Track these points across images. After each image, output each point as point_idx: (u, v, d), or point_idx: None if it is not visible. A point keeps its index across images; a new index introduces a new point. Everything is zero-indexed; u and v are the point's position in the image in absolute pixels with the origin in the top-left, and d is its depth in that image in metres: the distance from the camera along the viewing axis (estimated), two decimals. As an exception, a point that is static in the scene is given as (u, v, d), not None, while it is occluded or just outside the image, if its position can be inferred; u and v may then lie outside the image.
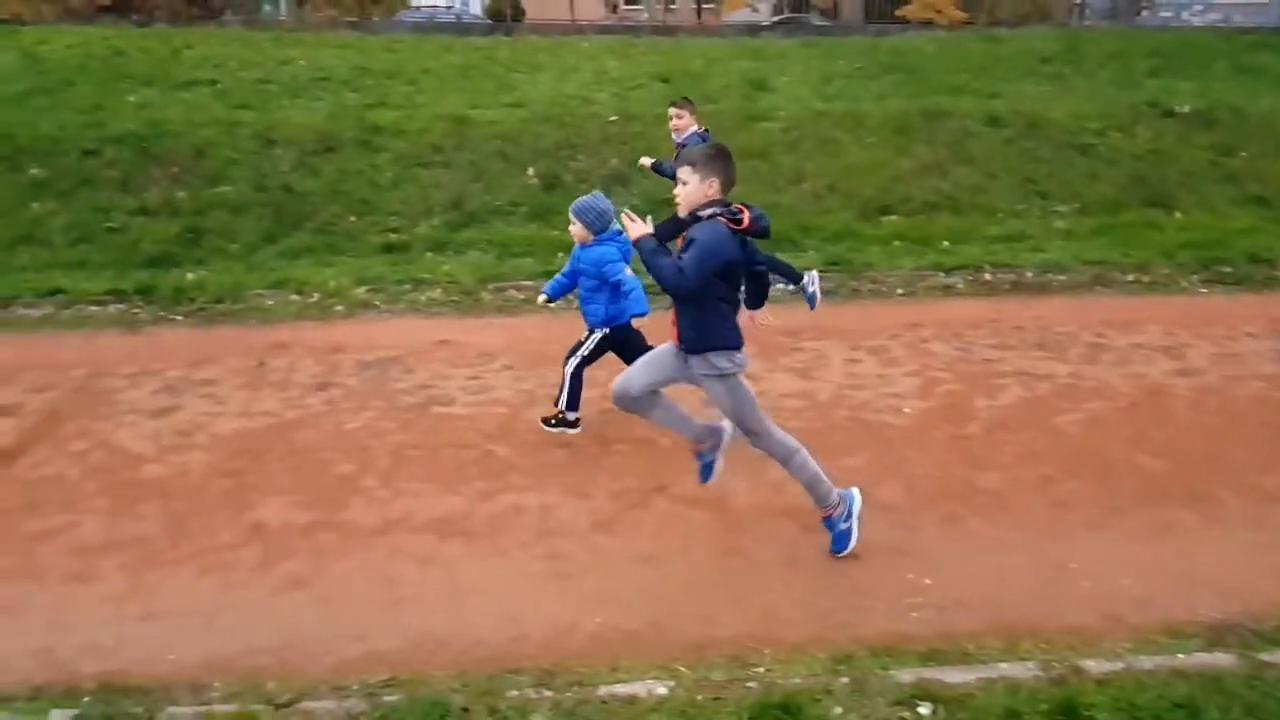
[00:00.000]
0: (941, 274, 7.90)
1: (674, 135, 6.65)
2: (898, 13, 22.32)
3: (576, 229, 4.89)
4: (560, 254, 8.19)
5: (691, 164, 3.67)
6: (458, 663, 3.30)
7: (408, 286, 7.57)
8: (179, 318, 7.18)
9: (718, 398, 3.83)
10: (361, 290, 7.48)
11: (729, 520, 4.26)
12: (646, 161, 7.22)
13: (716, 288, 3.63)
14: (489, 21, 21.66)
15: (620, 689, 3.13)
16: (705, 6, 27.88)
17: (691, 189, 3.65)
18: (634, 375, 4.03)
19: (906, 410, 5.40)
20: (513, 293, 7.52)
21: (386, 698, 3.06)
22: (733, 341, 3.73)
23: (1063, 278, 7.86)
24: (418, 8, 25.10)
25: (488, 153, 9.62)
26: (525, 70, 12.53)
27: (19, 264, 8.16)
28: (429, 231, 8.51)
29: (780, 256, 7.16)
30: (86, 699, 3.04)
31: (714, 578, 3.83)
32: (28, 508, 4.38)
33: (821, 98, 11.61)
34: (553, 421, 5.12)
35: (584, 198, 4.92)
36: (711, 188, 3.62)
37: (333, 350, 6.40)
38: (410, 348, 6.44)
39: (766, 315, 4.37)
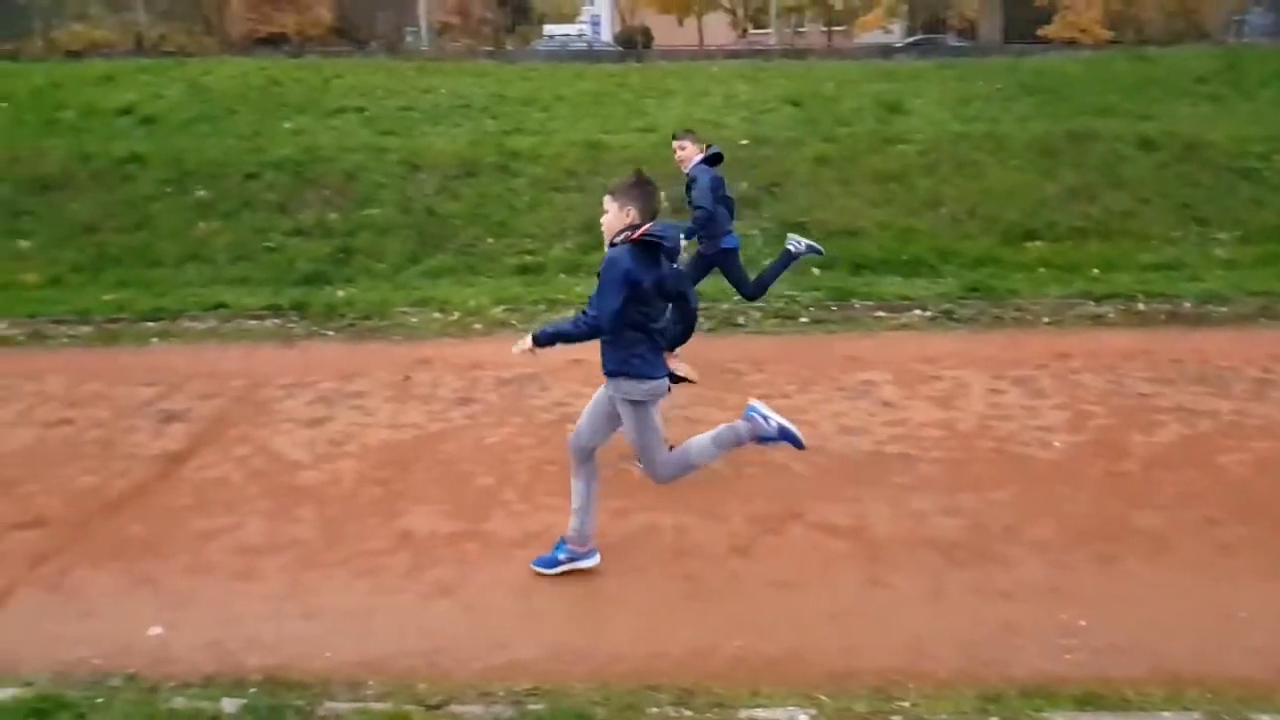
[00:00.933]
0: (1091, 303, 7.56)
1: (681, 167, 6.50)
2: (1039, 32, 21.63)
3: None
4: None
5: (611, 193, 3.65)
6: (597, 676, 3.34)
7: (542, 306, 7.75)
8: (330, 333, 7.56)
9: (625, 422, 3.78)
10: (499, 309, 7.71)
11: (869, 550, 4.16)
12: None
13: (630, 314, 3.56)
14: (620, 48, 22.10)
15: (761, 713, 3.10)
16: (835, 29, 27.71)
17: (610, 217, 3.64)
18: (581, 424, 3.98)
19: (1056, 444, 5.17)
20: (645, 314, 7.61)
21: (531, 706, 3.13)
22: (644, 371, 3.66)
23: (1224, 309, 7.41)
24: (551, 36, 25.86)
25: (619, 177, 9.78)
26: (655, 95, 12.69)
27: (186, 279, 8.77)
28: (562, 253, 8.72)
29: (919, 282, 7.01)
30: (253, 690, 3.21)
31: (856, 607, 3.75)
32: (197, 507, 4.68)
33: (960, 120, 11.33)
34: None
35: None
36: (629, 216, 3.58)
37: (473, 366, 6.61)
38: (545, 366, 6.56)
39: (684, 366, 4.10)
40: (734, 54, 19.44)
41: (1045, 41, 20.46)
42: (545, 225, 9.15)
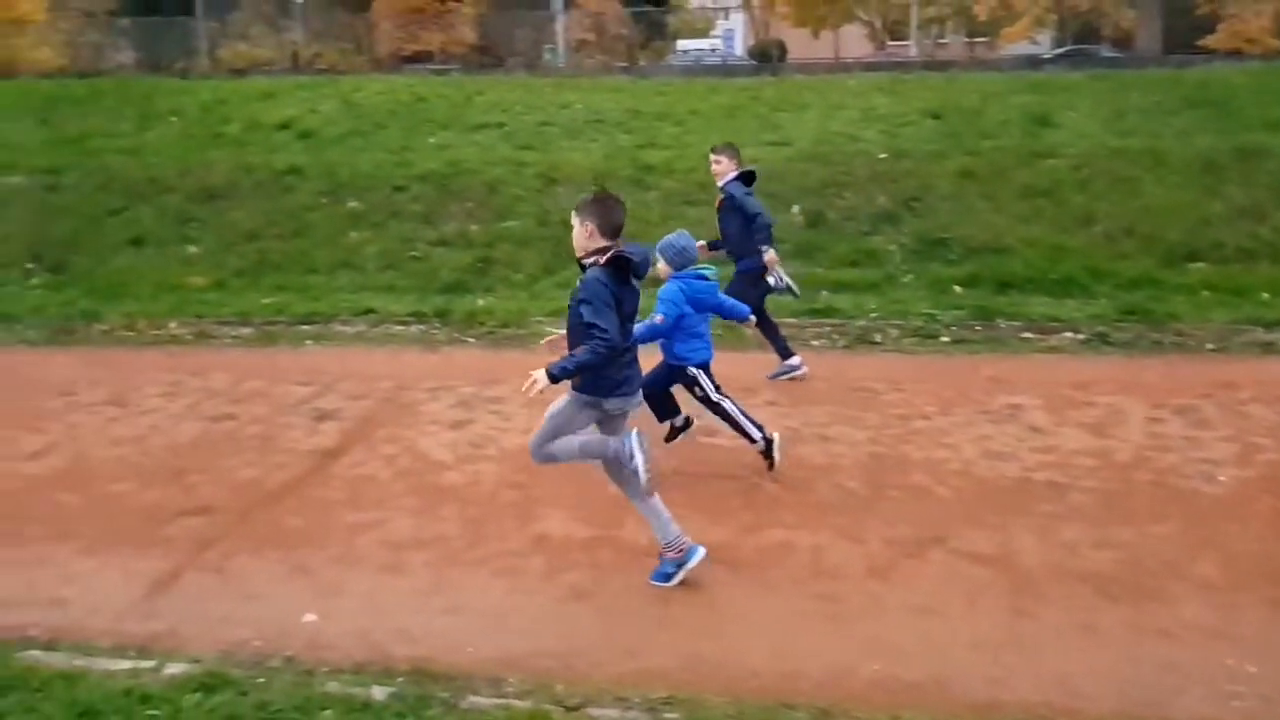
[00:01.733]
0: (1260, 329, 7.07)
1: (716, 180, 6.47)
2: (1201, 42, 20.40)
3: (660, 265, 4.82)
4: (824, 291, 8.16)
5: (576, 210, 3.73)
6: (730, 689, 3.32)
7: (672, 319, 7.79)
8: (470, 340, 7.81)
9: (561, 402, 3.90)
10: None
11: (1016, 579, 4.00)
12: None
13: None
14: (754, 62, 22.05)
15: (902, 740, 3.01)
16: (978, 40, 26.89)
17: (575, 234, 3.73)
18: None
19: (1222, 478, 4.85)
20: (776, 329, 7.54)
21: (666, 714, 3.14)
22: (594, 387, 3.77)
23: None
24: (685, 51, 26.08)
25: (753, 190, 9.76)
26: (790, 109, 12.61)
27: (338, 285, 9.24)
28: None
29: (1069, 303, 6.72)
30: (400, 679, 3.34)
31: (1001, 638, 3.61)
32: (348, 502, 4.91)
33: (1115, 134, 10.80)
34: (763, 453, 5.00)
35: (668, 235, 4.91)
36: (589, 231, 3.64)
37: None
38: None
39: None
40: (871, 66, 19.12)
41: (1208, 52, 19.28)
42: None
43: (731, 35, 33.45)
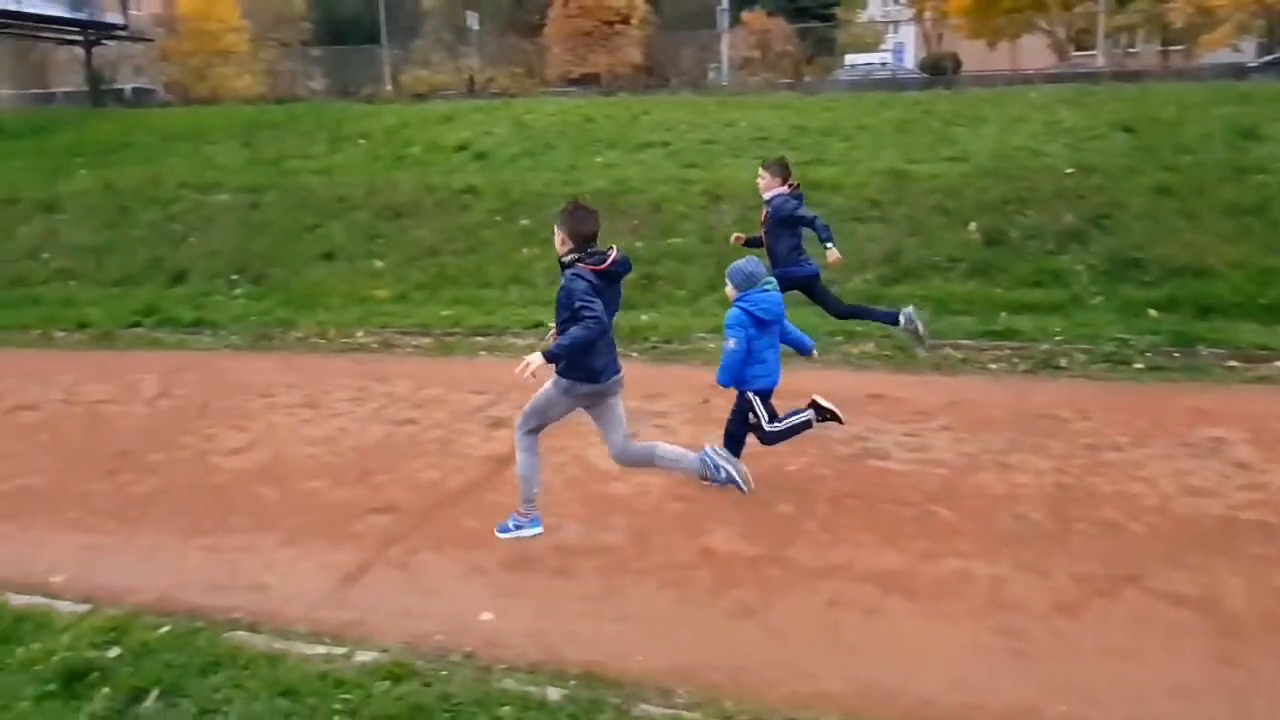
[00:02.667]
0: None
1: (763, 195, 6.63)
2: None
3: (728, 289, 4.93)
4: (1003, 313, 7.82)
5: (556, 219, 4.14)
6: (908, 719, 3.21)
7: (839, 338, 7.66)
8: (635, 354, 7.92)
9: (545, 388, 4.35)
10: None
11: (1223, 624, 3.68)
12: (739, 237, 7.20)
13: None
14: (925, 76, 21.42)
15: (1095, 790, 2.82)
16: (1173, 49, 25.15)
17: (556, 242, 4.16)
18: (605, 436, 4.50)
19: None
20: (950, 351, 7.29)
21: (842, 741, 3.06)
22: (572, 372, 4.21)
23: None
24: (853, 66, 25.67)
25: (926, 207, 9.50)
26: (966, 123, 12.19)
27: (510, 300, 9.59)
28: (862, 285, 8.57)
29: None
30: (572, 682, 3.41)
31: (1207, 687, 3.33)
32: (520, 507, 5.06)
33: (1333, 147, 9.87)
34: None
35: (737, 260, 4.96)
36: (561, 239, 4.10)
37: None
38: (843, 398, 6.40)
39: None
40: (1054, 78, 18.20)
41: None
42: (845, 256, 9.01)
43: (901, 49, 32.67)
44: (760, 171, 6.77)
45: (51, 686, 3.30)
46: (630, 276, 9.46)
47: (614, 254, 4.11)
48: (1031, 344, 7.13)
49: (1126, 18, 25.08)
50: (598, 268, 4.03)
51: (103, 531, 4.95)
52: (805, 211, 6.50)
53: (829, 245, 6.43)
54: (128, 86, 30.80)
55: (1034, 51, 25.31)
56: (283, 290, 10.36)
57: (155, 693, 3.26)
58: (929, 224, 9.34)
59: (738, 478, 4.37)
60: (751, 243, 6.98)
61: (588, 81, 22.52)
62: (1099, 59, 25.15)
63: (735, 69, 22.08)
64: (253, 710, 3.12)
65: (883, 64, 26.84)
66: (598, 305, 3.93)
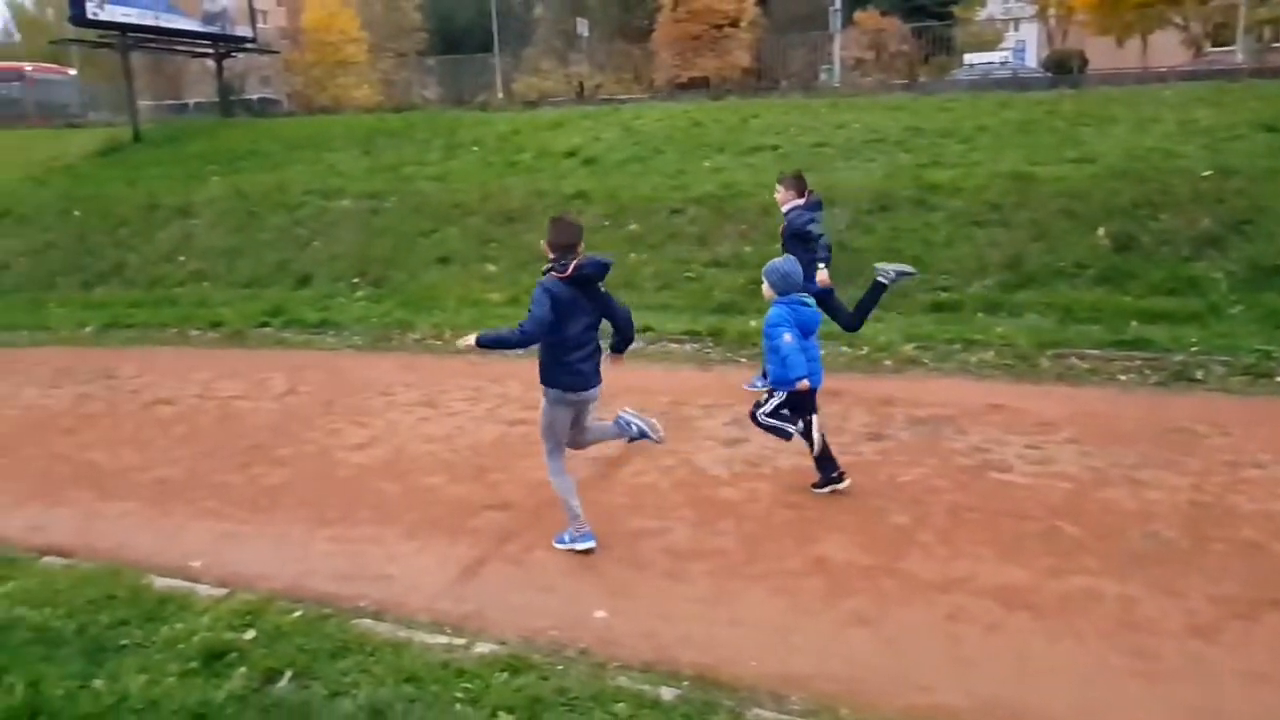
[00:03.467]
0: None
1: (781, 208, 6.88)
2: None
3: (765, 288, 5.04)
4: (1134, 322, 7.47)
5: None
6: (1031, 741, 3.11)
7: (958, 346, 7.46)
8: (743, 359, 7.90)
9: (546, 414, 4.59)
10: (910, 347, 7.54)
11: (1382, 657, 3.43)
12: None
13: (554, 332, 4.31)
14: (1049, 75, 20.61)
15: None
16: (1320, 43, 23.57)
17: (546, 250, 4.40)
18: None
19: None
20: (1075, 361, 7.02)
21: (961, 757, 2.98)
22: (552, 380, 4.46)
23: None
24: (971, 65, 24.94)
25: (1051, 211, 9.15)
26: (1093, 123, 11.68)
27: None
28: (982, 291, 8.33)
29: None
30: (685, 683, 3.42)
31: (1365, 723, 3.11)
32: (632, 508, 5.11)
33: None
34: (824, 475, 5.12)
35: (774, 260, 5.07)
36: (546, 249, 4.38)
37: (883, 403, 6.53)
38: (962, 408, 6.33)
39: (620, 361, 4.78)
40: (1189, 75, 17.25)
41: None
42: (964, 261, 8.80)
43: (1023, 47, 31.59)
44: (777, 185, 6.98)
45: (194, 664, 3.50)
46: (736, 281, 9.46)
47: (577, 259, 4.31)
48: (1165, 355, 6.80)
49: (1269, 10, 23.60)
50: (561, 275, 4.29)
51: (237, 520, 5.22)
52: (815, 228, 6.62)
53: (821, 266, 6.59)
54: (254, 97, 32.45)
55: (1166, 48, 24.03)
56: (401, 293, 10.72)
57: (288, 674, 3.42)
58: (1054, 229, 8.99)
59: (648, 430, 4.76)
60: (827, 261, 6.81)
61: (695, 86, 22.52)
62: (1238, 55, 23.70)
63: (847, 70, 21.73)
64: (379, 695, 3.24)
65: (1003, 63, 25.94)
66: (536, 320, 4.24)
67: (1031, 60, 29.47)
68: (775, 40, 22.55)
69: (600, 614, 4.00)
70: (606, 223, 11.33)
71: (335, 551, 4.75)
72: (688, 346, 8.34)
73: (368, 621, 3.91)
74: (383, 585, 4.34)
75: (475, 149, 14.92)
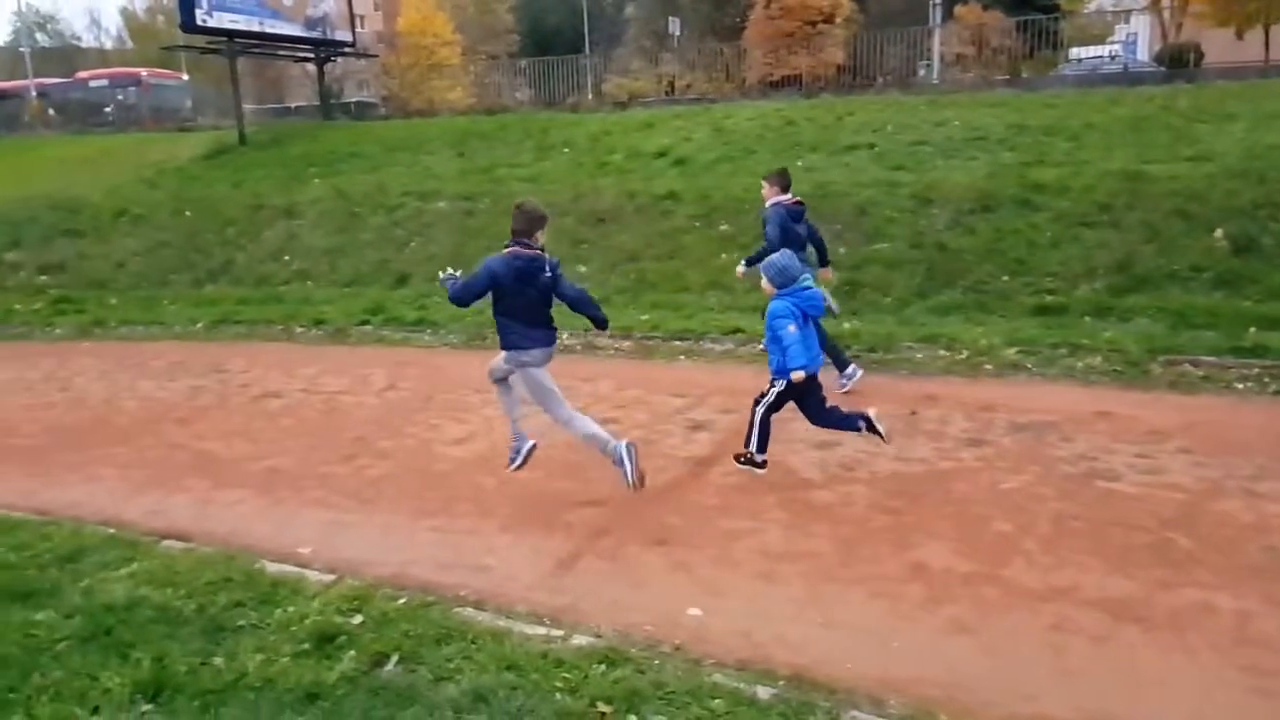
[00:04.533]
0: None
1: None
2: None
3: (764, 284, 5.29)
4: (1252, 328, 7.13)
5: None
6: (1142, 758, 3.00)
7: (1063, 351, 7.24)
8: (835, 362, 7.80)
9: (523, 384, 5.22)
10: (1012, 351, 7.35)
11: None
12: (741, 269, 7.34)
13: (499, 305, 5.04)
14: (1162, 69, 19.73)
15: None
16: None
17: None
18: (495, 361, 5.36)
19: None
20: (1188, 368, 6.73)
21: (1068, 772, 2.90)
22: (514, 344, 5.09)
23: None
24: (1078, 60, 24.07)
25: (1164, 211, 8.81)
26: (1211, 120, 11.17)
27: (708, 305, 9.68)
28: (1089, 295, 8.06)
29: None
30: (781, 683, 3.41)
31: None
32: (723, 508, 5.12)
33: None
34: (742, 459, 5.46)
35: (771, 256, 5.37)
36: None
37: (983, 408, 6.38)
38: (1067, 415, 6.14)
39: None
40: (1313, 69, 16.34)
41: None
42: (1070, 263, 8.52)
43: (1134, 40, 30.34)
44: (763, 182, 7.23)
45: (306, 646, 3.65)
46: (828, 283, 9.28)
47: (513, 252, 4.97)
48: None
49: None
50: (507, 256, 4.96)
51: (343, 510, 5.42)
52: (773, 229, 6.79)
53: (743, 263, 7.11)
54: (352, 100, 33.49)
55: (1291, 39, 22.72)
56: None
57: (395, 658, 3.53)
58: (1167, 230, 8.63)
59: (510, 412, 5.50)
60: (752, 261, 7.01)
61: (787, 84, 22.26)
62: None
63: (947, 66, 21.19)
64: (482, 681, 3.32)
65: (1112, 57, 24.96)
66: (469, 288, 5.00)
67: (1143, 54, 28.27)
68: (871, 36, 22.10)
69: (694, 611, 4.01)
70: (698, 223, 11.34)
71: (436, 541, 4.89)
72: (774, 347, 8.28)
73: (469, 610, 4.00)
74: (481, 575, 4.44)
75: (566, 150, 15.10)
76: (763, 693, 3.28)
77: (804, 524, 4.86)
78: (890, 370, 7.44)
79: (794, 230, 6.87)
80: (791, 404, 5.41)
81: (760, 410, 5.40)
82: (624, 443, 5.13)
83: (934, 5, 21.58)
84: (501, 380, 5.46)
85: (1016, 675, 3.47)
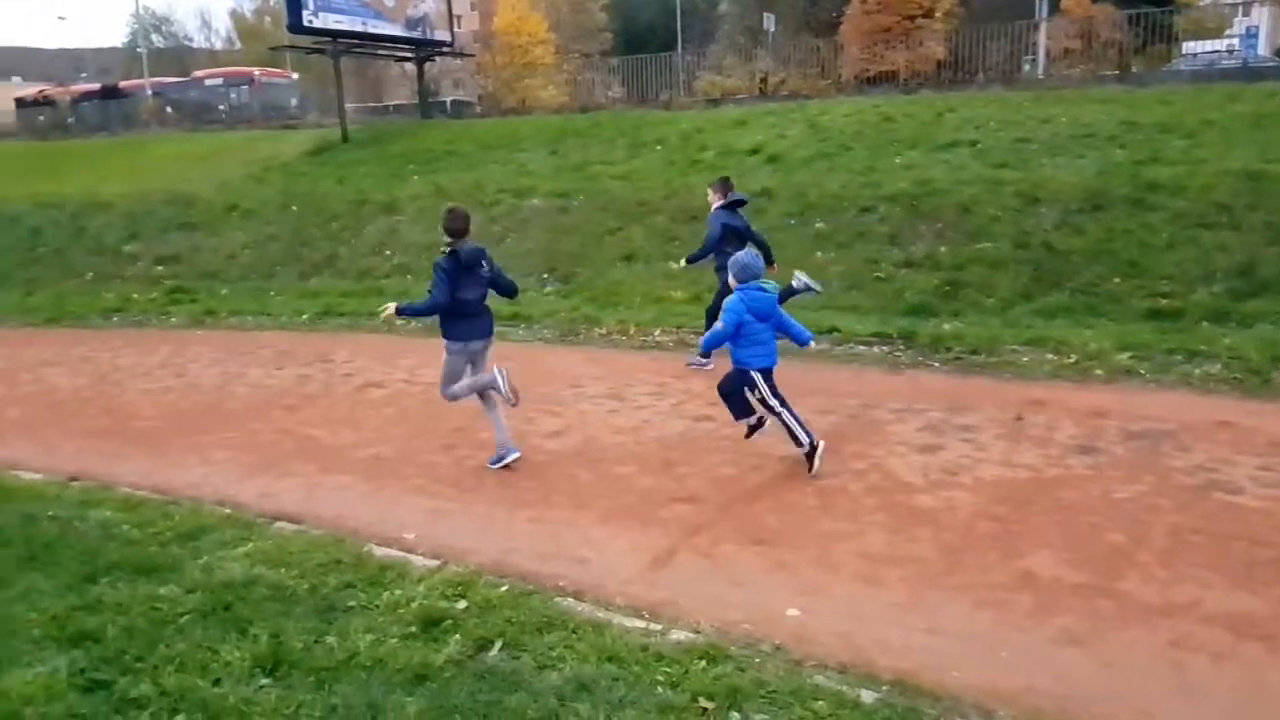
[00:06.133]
0: None
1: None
2: None
3: (730, 279, 5.62)
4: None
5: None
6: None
7: (1179, 357, 6.95)
8: (935, 364, 7.64)
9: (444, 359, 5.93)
10: (1124, 356, 7.08)
11: None
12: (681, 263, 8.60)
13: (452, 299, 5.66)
14: (1286, 63, 18.69)
15: None
16: None
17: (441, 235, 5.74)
18: (455, 387, 6.00)
19: None
20: (1317, 376, 6.36)
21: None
22: (450, 334, 5.83)
23: None
24: (1193, 55, 23.00)
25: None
26: (1342, 116, 10.56)
27: (804, 304, 9.48)
28: (1208, 299, 7.70)
29: None
30: (885, 687, 3.35)
31: None
32: (822, 509, 5.06)
33: None
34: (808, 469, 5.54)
35: (738, 253, 5.82)
36: (441, 234, 5.69)
37: (1093, 414, 6.16)
38: (1184, 423, 5.88)
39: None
40: None
41: None
42: (1187, 266, 8.16)
43: (1254, 33, 28.78)
44: (708, 189, 8.38)
45: (413, 628, 3.74)
46: (930, 282, 9.35)
47: (455, 246, 5.61)
48: None
49: None
50: (450, 256, 5.61)
51: (444, 498, 5.54)
52: (714, 229, 7.86)
53: (685, 260, 8.31)
54: (448, 99, 34.19)
55: None
56: (588, 289, 11.03)
57: (499, 644, 3.60)
58: (1293, 233, 8.20)
59: (500, 385, 5.78)
60: (693, 259, 8.26)
61: (882, 80, 21.84)
62: None
63: (1052, 61, 20.48)
64: (583, 671, 3.36)
65: (1230, 51, 23.76)
66: (441, 291, 5.59)
67: (1264, 48, 26.79)
68: (971, 31, 21.50)
69: (793, 612, 3.98)
70: (792, 221, 11.23)
71: (535, 532, 4.96)
72: (876, 349, 8.15)
73: (569, 600, 4.05)
74: (579, 567, 4.49)
75: (658, 148, 15.13)
76: (866, 696, 3.24)
77: (906, 528, 4.77)
78: (994, 373, 7.25)
79: (734, 227, 7.86)
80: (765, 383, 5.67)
81: (767, 408, 5.67)
82: (496, 369, 5.84)
83: (1041, -2, 20.91)
84: (481, 397, 5.99)
85: (1132, 690, 3.35)
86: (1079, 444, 5.71)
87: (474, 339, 5.85)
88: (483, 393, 5.95)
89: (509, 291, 6.11)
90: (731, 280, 5.66)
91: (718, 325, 5.61)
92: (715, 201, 8.14)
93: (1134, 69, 18.26)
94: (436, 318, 5.89)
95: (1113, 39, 19.51)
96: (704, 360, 8.00)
